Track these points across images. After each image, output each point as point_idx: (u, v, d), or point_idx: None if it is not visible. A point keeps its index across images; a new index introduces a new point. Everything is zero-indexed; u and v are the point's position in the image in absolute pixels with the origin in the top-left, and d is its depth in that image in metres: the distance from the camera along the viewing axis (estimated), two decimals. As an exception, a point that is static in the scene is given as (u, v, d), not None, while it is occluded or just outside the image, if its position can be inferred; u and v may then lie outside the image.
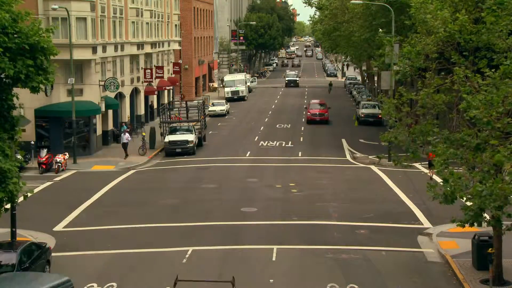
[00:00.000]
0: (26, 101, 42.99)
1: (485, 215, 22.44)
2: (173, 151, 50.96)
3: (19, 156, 25.85)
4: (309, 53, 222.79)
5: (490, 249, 23.35)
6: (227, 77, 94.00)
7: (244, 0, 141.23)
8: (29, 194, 24.64)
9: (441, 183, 22.39)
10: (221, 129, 65.49)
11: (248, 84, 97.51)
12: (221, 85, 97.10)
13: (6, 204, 23.58)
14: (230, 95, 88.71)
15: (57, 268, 25.26)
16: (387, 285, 23.98)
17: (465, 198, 21.83)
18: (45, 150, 44.72)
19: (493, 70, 22.83)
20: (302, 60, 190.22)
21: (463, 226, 22.30)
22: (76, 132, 47.43)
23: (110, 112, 55.09)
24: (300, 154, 51.50)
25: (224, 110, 76.06)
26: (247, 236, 29.97)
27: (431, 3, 29.32)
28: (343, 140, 57.41)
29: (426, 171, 41.30)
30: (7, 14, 22.21)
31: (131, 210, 34.71)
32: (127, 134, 50.14)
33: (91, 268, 25.81)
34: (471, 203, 21.34)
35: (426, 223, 31.64)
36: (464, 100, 22.37)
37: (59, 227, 31.63)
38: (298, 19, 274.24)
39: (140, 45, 62.70)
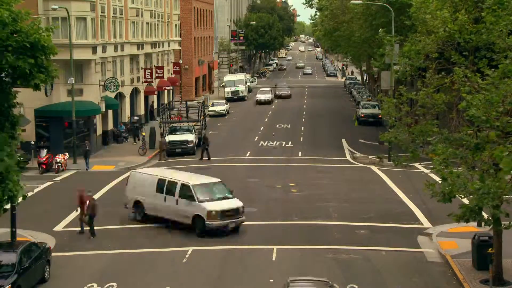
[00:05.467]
0: (26, 101, 42.86)
1: (484, 214, 22.45)
2: (173, 151, 50.94)
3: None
4: (308, 71, 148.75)
5: (490, 249, 23.35)
6: (227, 77, 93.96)
7: (244, 0, 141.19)
8: (28, 194, 24.62)
9: (440, 182, 22.39)
10: (221, 129, 65.46)
11: (248, 84, 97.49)
12: (221, 85, 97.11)
13: (6, 204, 23.56)
14: (230, 95, 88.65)
15: (57, 268, 25.27)
16: (387, 285, 23.98)
17: (463, 197, 21.82)
18: (45, 150, 44.72)
19: (493, 70, 22.83)
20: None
21: (459, 221, 22.29)
22: (76, 132, 47.42)
23: (110, 112, 55.08)
24: (300, 154, 51.50)
25: (224, 110, 76.01)
26: (247, 236, 29.96)
27: (431, 2, 29.33)
28: (343, 140, 57.41)
29: (426, 171, 41.26)
30: (7, 12, 22.25)
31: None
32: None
33: (91, 268, 25.81)
34: (469, 201, 21.34)
35: (426, 223, 31.64)
36: (464, 99, 22.37)
37: (59, 227, 31.63)
38: (298, 19, 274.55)
39: (140, 45, 62.70)
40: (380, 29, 30.76)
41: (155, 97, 69.92)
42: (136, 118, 60.31)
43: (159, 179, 31.34)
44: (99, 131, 52.55)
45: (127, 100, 60.56)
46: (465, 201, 22.82)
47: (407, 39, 30.16)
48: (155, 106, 70.00)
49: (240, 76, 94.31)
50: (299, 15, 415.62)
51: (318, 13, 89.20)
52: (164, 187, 30.92)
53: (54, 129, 48.89)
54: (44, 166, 43.88)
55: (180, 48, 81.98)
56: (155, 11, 68.70)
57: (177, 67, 77.78)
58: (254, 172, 44.61)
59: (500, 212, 20.84)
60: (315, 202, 35.89)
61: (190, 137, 51.76)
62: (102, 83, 51.90)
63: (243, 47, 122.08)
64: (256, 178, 42.39)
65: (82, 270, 25.64)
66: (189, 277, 24.76)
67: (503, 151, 19.79)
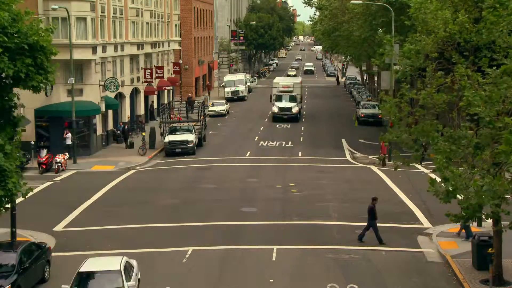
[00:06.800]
0: (26, 101, 42.90)
1: (484, 213, 22.44)
2: (173, 151, 50.94)
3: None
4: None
5: (490, 249, 23.36)
6: (227, 77, 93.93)
7: (244, 0, 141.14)
8: (29, 193, 24.64)
9: (442, 181, 22.38)
10: (221, 129, 65.45)
11: (248, 84, 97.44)
12: (221, 85, 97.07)
13: (6, 204, 23.58)
14: (230, 95, 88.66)
15: (57, 268, 25.27)
16: (387, 285, 23.99)
17: (464, 197, 21.80)
18: (45, 150, 44.70)
19: (494, 67, 22.82)
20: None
21: (458, 221, 22.28)
22: (76, 132, 47.41)
23: (110, 112, 55.07)
24: (300, 154, 51.49)
25: (224, 110, 76.02)
26: (247, 236, 29.98)
27: (430, 2, 29.31)
28: (343, 140, 57.42)
29: (426, 171, 41.25)
30: (7, 13, 22.22)
31: (131, 210, 34.70)
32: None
33: (91, 268, 25.76)
34: (471, 198, 21.32)
35: (426, 223, 31.65)
36: (465, 97, 22.34)
37: (59, 227, 31.63)
38: (298, 19, 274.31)
39: (140, 45, 62.68)
40: (379, 29, 30.80)
41: (155, 97, 69.90)
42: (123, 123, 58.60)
43: None
44: (99, 131, 52.53)
45: (127, 100, 60.55)
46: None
47: (407, 39, 30.14)
48: (155, 106, 69.98)
49: (240, 76, 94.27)
50: (299, 15, 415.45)
51: (317, 13, 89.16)
52: None
53: (54, 129, 48.90)
54: (44, 166, 43.87)
55: (180, 48, 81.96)
56: (155, 11, 68.68)
57: (177, 67, 77.75)
58: (254, 172, 44.60)
59: (501, 211, 20.84)
60: (315, 202, 35.89)
61: (190, 137, 51.76)
62: (102, 83, 51.89)
63: (243, 47, 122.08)
64: (256, 178, 42.39)
65: (82, 270, 25.60)
66: (189, 277, 24.76)
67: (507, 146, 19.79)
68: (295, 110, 67.38)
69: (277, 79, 74.68)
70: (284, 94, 69.05)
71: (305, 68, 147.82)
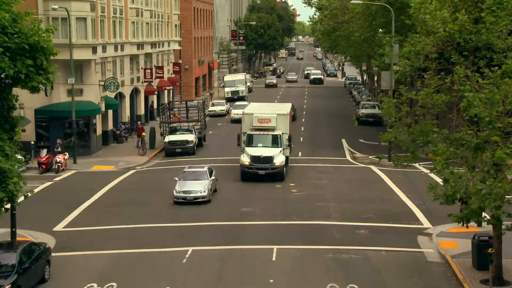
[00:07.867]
0: (26, 101, 42.98)
1: (485, 214, 22.47)
2: (173, 151, 50.93)
3: (19, 156, 25.81)
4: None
5: (490, 249, 23.36)
6: (227, 77, 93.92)
7: (244, 0, 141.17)
8: (29, 194, 24.70)
9: (442, 184, 22.40)
10: (221, 129, 65.43)
11: (248, 84, 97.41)
12: (221, 85, 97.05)
13: (6, 204, 23.59)
14: (230, 95, 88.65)
15: (57, 268, 25.28)
16: (387, 285, 23.99)
17: (465, 199, 21.83)
18: (45, 150, 44.69)
19: (495, 68, 22.81)
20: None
21: (460, 222, 22.30)
22: (76, 132, 47.42)
23: (110, 112, 55.08)
24: (300, 154, 51.47)
25: (224, 110, 76.04)
26: (247, 236, 29.98)
27: (430, 3, 29.31)
28: (343, 140, 57.41)
29: (426, 171, 41.26)
30: (7, 14, 22.23)
31: (131, 210, 34.70)
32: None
33: (91, 268, 25.82)
34: (471, 203, 21.33)
35: (426, 223, 31.65)
36: (465, 98, 22.35)
37: (59, 227, 31.64)
38: (298, 19, 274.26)
39: (140, 45, 62.69)
40: (379, 30, 30.84)
41: (155, 97, 69.90)
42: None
43: None
44: (99, 131, 52.52)
45: (127, 100, 60.55)
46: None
47: (407, 39, 30.13)
48: (155, 106, 69.98)
49: (240, 76, 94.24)
50: (299, 15, 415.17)
51: (317, 13, 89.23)
52: None
53: (54, 129, 48.90)
54: (44, 166, 43.87)
55: (180, 48, 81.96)
56: (155, 11, 68.69)
57: (177, 67, 77.74)
58: (254, 172, 44.49)
59: (502, 213, 20.84)
60: (315, 202, 35.89)
61: (190, 137, 51.75)
62: (102, 83, 51.89)
63: (243, 47, 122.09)
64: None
65: (82, 270, 25.65)
66: (189, 277, 24.77)
67: (505, 149, 19.81)
68: (278, 161, 40.58)
69: (250, 107, 48.84)
70: (260, 133, 42.32)
71: (312, 77, 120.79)
